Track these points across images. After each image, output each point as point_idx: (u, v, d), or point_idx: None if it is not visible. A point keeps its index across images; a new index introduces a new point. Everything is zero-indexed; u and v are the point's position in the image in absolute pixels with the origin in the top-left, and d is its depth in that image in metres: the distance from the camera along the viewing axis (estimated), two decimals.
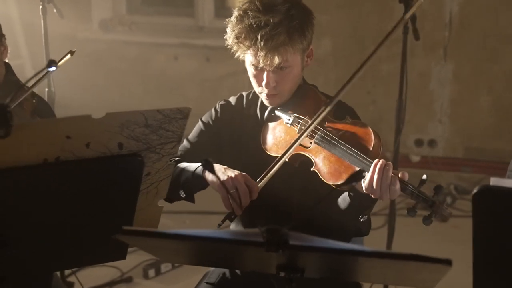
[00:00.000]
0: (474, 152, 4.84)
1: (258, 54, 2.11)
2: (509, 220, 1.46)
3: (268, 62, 2.11)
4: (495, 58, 4.62)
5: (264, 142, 2.23)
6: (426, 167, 4.82)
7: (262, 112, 2.28)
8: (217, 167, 2.11)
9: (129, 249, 1.85)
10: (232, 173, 2.07)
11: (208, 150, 2.27)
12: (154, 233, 1.54)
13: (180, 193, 2.17)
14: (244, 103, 2.33)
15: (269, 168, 2.11)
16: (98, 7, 5.30)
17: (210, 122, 2.33)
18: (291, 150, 2.11)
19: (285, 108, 2.23)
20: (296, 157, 2.14)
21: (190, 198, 2.19)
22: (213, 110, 2.35)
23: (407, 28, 3.23)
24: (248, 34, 2.11)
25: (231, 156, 2.27)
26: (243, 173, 2.08)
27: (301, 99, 2.24)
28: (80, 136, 1.62)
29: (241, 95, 2.35)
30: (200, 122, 2.35)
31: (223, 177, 2.06)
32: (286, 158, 2.11)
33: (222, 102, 2.35)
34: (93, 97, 5.06)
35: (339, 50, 4.87)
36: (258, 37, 2.09)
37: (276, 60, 2.11)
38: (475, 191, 1.43)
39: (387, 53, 4.80)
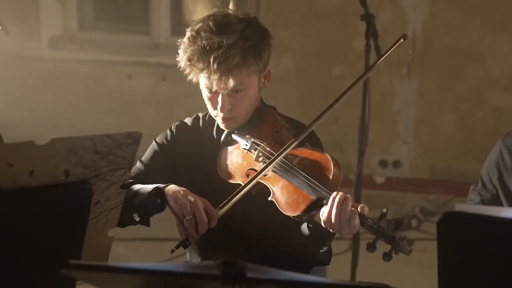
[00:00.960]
0: (440, 173, 4.74)
1: (212, 77, 2.01)
2: (475, 246, 1.43)
3: (222, 85, 2.02)
4: (460, 75, 4.54)
5: (221, 168, 2.12)
6: (391, 189, 4.72)
7: (219, 135, 2.17)
8: (175, 188, 1.99)
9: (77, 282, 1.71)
10: (191, 197, 1.96)
11: (162, 172, 2.16)
12: (103, 267, 1.44)
13: (134, 216, 2.04)
14: (201, 124, 2.24)
15: (230, 197, 1.99)
16: (47, 24, 5.06)
17: (165, 142, 2.22)
18: (254, 181, 2.00)
19: (242, 131, 2.13)
20: (254, 185, 2.02)
21: (145, 222, 2.06)
22: (168, 131, 2.25)
23: (369, 46, 3.11)
24: (201, 56, 2.01)
25: (186, 179, 2.16)
26: (203, 199, 1.97)
27: (258, 122, 2.15)
28: (23, 163, 1.49)
29: (197, 116, 2.26)
30: (154, 143, 2.25)
31: (181, 200, 1.95)
32: (248, 188, 2.00)
33: (177, 123, 2.26)
34: (41, 119, 4.82)
35: (301, 67, 4.74)
36: (211, 60, 1.99)
37: (231, 83, 2.01)
38: (440, 217, 1.41)
39: (350, 70, 4.69)
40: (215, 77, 2.00)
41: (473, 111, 4.60)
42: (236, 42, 2.00)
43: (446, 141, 4.69)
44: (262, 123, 2.14)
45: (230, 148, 2.14)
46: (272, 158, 2.01)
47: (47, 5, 5.02)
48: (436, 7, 4.54)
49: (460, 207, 1.45)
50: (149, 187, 2.04)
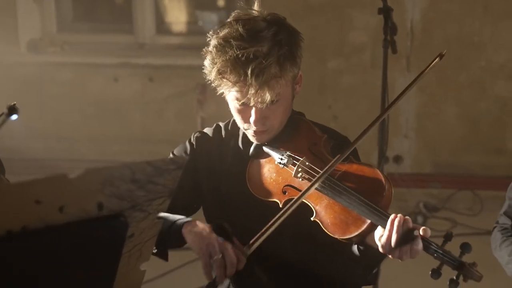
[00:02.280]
0: (443, 167, 4.60)
1: (249, 91, 1.80)
2: None
3: (260, 99, 1.80)
4: (461, 66, 4.39)
5: (252, 183, 1.91)
6: (393, 185, 4.46)
7: (246, 146, 1.97)
8: (200, 226, 1.80)
9: None
10: (214, 240, 1.76)
11: (184, 189, 1.93)
12: None
13: None
14: (223, 135, 2.03)
15: (266, 227, 1.77)
16: (25, 27, 4.78)
17: (185, 155, 2.01)
18: (295, 205, 1.78)
19: (274, 143, 1.92)
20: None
21: (162, 255, 1.88)
22: (187, 143, 2.04)
23: (387, 42, 2.91)
24: (235, 69, 1.79)
25: (211, 198, 1.97)
26: (228, 243, 1.76)
27: (292, 133, 1.95)
28: (52, 199, 1.28)
29: (218, 126, 2.05)
30: (172, 157, 2.03)
31: (207, 239, 1.75)
32: (287, 215, 1.78)
33: (197, 134, 2.05)
34: (25, 126, 4.55)
35: None
36: (248, 72, 1.77)
37: (268, 95, 1.80)
38: None
39: (346, 64, 4.52)
40: (252, 91, 1.79)
41: (476, 102, 4.46)
42: (271, 50, 1.79)
43: (448, 134, 4.54)
44: (297, 134, 1.94)
45: (261, 161, 1.93)
46: (319, 175, 1.79)
47: (24, 7, 4.75)
48: None
49: None
50: (172, 218, 1.84)
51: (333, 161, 1.79)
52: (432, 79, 4.45)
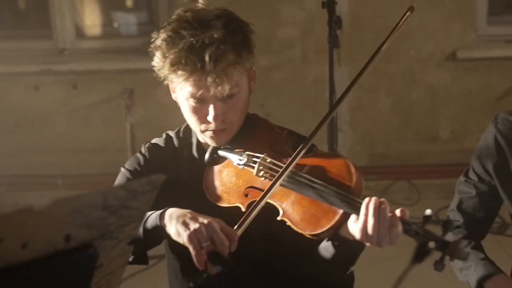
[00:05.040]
0: (378, 159, 4.60)
1: (207, 80, 1.69)
2: None
3: (219, 88, 1.70)
4: (391, 57, 4.38)
5: (210, 191, 1.80)
6: None
7: (201, 154, 1.86)
8: (180, 212, 1.65)
9: None
10: (204, 219, 1.61)
11: None
12: None
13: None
14: (176, 144, 1.92)
15: (245, 215, 1.67)
16: None
17: (138, 169, 1.89)
18: (259, 206, 1.68)
19: (231, 145, 1.82)
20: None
21: (142, 260, 1.75)
22: (139, 155, 1.92)
23: (332, 36, 2.83)
24: (191, 56, 1.68)
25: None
26: (217, 219, 1.62)
27: (250, 132, 1.84)
28: (15, 236, 1.13)
29: (169, 135, 1.94)
30: (124, 171, 1.90)
31: (193, 225, 1.60)
32: (265, 201, 1.68)
33: (148, 145, 1.93)
34: None
35: None
36: (206, 58, 1.67)
37: (226, 85, 1.70)
38: None
39: (277, 60, 4.45)
40: (210, 79, 1.68)
41: (407, 92, 4.48)
42: (226, 37, 1.68)
43: (382, 126, 4.54)
44: (255, 133, 1.83)
45: (218, 167, 1.82)
46: (282, 169, 1.68)
47: None
48: None
49: None
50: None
51: (294, 154, 1.69)
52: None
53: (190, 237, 1.58)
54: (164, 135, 1.95)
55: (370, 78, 4.44)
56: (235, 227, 1.65)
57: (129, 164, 1.91)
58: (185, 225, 1.60)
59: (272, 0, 4.34)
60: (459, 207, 2.10)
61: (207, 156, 1.83)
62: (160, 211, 1.67)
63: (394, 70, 4.43)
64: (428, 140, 4.56)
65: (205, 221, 1.60)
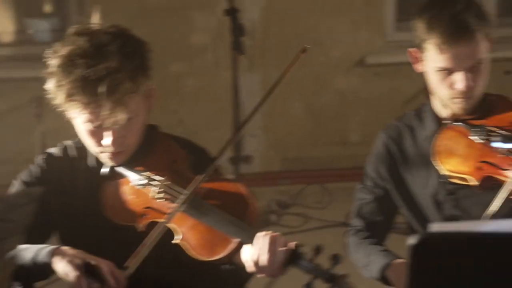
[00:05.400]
0: (291, 163, 4.67)
1: (101, 112, 1.67)
2: (453, 265, 1.29)
3: (114, 119, 1.68)
4: (302, 62, 4.42)
5: (106, 206, 1.79)
6: (245, 185, 4.54)
7: (100, 165, 1.84)
8: (69, 251, 1.65)
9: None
10: (93, 261, 1.62)
11: (38, 220, 1.73)
12: None
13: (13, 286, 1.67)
14: (74, 154, 1.89)
15: (135, 252, 1.67)
16: None
17: (34, 181, 1.86)
18: (159, 231, 1.69)
19: (130, 163, 1.81)
20: (152, 226, 1.72)
21: None
22: (34, 166, 1.89)
23: (236, 43, 2.87)
24: (85, 89, 1.66)
25: (64, 220, 1.83)
26: (106, 261, 1.64)
27: (149, 151, 1.83)
28: None
29: (66, 145, 1.91)
30: (18, 182, 1.87)
31: (75, 277, 1.61)
32: (158, 237, 1.68)
33: (43, 156, 1.90)
34: None
35: None
36: (102, 90, 1.65)
37: (122, 115, 1.68)
38: (414, 241, 1.24)
39: (190, 67, 4.46)
40: (105, 112, 1.66)
41: (318, 97, 4.56)
42: (122, 65, 1.67)
43: (294, 130, 4.61)
44: (154, 152, 1.83)
45: (117, 183, 1.81)
46: (184, 198, 1.70)
47: None
48: None
49: (436, 227, 1.29)
50: (33, 248, 1.67)
51: (197, 182, 1.70)
52: (275, 77, 4.48)
53: (77, 279, 1.60)
54: (61, 145, 1.92)
55: (281, 83, 4.50)
56: (124, 267, 1.65)
57: (25, 176, 1.88)
58: (75, 266, 1.61)
59: (183, 6, 4.34)
60: (359, 213, 2.17)
61: (105, 170, 1.82)
62: (53, 247, 1.67)
63: (304, 75, 4.50)
64: (339, 144, 4.65)
65: (93, 263, 1.62)
